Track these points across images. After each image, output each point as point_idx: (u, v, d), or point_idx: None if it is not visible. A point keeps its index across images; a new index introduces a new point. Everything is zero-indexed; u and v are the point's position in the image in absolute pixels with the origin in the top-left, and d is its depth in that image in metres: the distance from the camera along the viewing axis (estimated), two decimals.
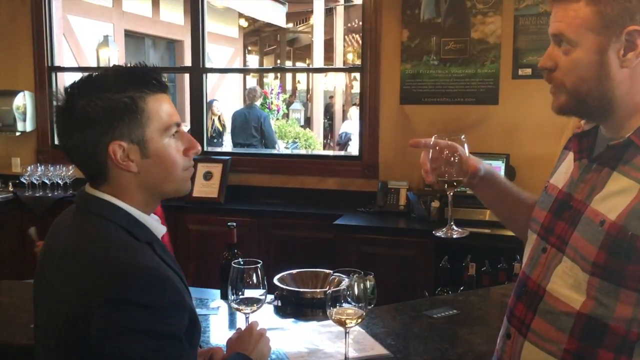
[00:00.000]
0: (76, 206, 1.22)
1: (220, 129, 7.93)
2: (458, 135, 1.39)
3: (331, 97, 12.73)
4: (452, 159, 1.37)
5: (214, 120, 7.76)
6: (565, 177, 1.29)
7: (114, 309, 1.04)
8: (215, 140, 7.73)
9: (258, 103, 7.43)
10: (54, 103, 1.20)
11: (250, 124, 6.99)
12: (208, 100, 7.77)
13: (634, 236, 1.08)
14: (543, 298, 1.22)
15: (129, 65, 1.22)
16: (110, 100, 1.14)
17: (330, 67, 12.00)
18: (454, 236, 1.43)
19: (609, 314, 1.12)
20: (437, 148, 1.38)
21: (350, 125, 9.79)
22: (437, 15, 3.89)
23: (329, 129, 12.73)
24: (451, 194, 1.42)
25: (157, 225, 1.24)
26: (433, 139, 1.38)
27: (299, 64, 17.81)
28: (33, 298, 1.24)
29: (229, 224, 2.12)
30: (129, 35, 8.90)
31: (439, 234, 1.49)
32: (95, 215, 1.17)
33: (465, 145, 1.39)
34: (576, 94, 1.17)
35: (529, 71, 3.73)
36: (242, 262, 1.63)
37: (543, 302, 1.22)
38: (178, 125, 1.22)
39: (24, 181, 4.36)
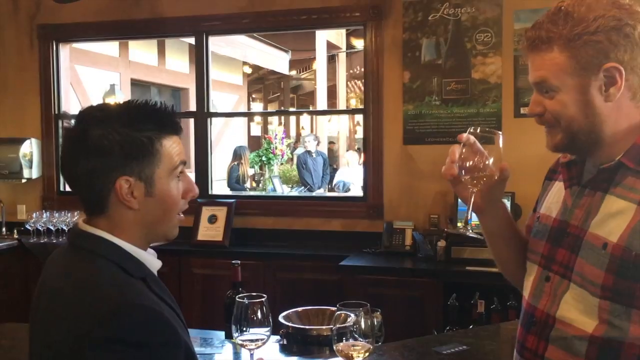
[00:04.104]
0: (68, 243, 1.21)
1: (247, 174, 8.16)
2: (494, 133, 1.28)
3: (332, 142, 12.71)
4: (480, 164, 1.27)
5: (243, 166, 7.92)
6: (557, 206, 1.30)
7: (106, 348, 1.01)
8: (244, 186, 7.97)
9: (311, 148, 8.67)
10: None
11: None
12: (236, 146, 8.17)
13: (637, 255, 1.09)
14: (554, 326, 1.21)
15: (149, 103, 1.21)
16: (128, 137, 1.13)
17: (333, 109, 12.14)
18: (468, 234, 1.35)
19: (623, 335, 1.11)
20: (470, 148, 1.27)
21: (347, 173, 8.92)
22: (437, 57, 3.95)
23: (332, 175, 12.69)
24: (474, 190, 1.31)
25: (152, 260, 1.21)
26: (467, 134, 1.28)
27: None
28: (29, 339, 1.21)
29: (233, 262, 2.11)
30: (135, 83, 9.06)
31: (460, 229, 1.36)
32: (87, 251, 1.15)
33: (500, 142, 1.29)
34: (569, 132, 1.20)
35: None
36: (246, 300, 1.61)
37: (555, 329, 1.20)
38: (184, 163, 1.22)
39: (29, 228, 4.36)
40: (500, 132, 1.29)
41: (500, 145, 1.28)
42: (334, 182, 8.96)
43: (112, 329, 1.02)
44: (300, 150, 10.20)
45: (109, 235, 1.16)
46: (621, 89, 1.15)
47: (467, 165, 1.28)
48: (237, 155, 7.95)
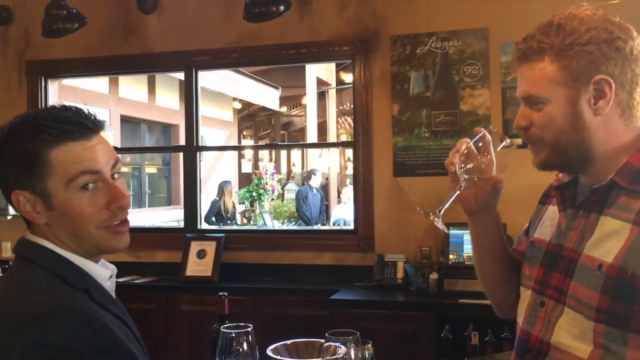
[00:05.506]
0: (14, 252, 1.18)
1: (232, 209, 8.15)
2: (510, 144, 1.29)
3: (327, 178, 12.72)
4: (482, 166, 1.26)
5: (225, 201, 7.93)
6: (552, 230, 1.27)
7: (34, 354, 0.95)
8: (229, 222, 7.97)
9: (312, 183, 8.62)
10: None
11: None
12: (222, 181, 8.16)
13: (633, 275, 1.06)
14: (549, 352, 1.17)
15: (47, 110, 1.15)
16: (18, 149, 1.08)
17: (323, 142, 12.20)
18: (438, 225, 1.30)
19: None
20: (483, 146, 1.27)
21: (345, 210, 8.51)
22: (426, 90, 3.97)
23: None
24: (462, 185, 1.29)
25: (99, 270, 1.15)
26: (484, 131, 1.28)
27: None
28: None
29: (220, 293, 2.05)
30: (125, 120, 9.06)
31: (431, 217, 1.33)
32: (26, 261, 1.11)
33: (510, 153, 1.28)
34: (556, 147, 1.18)
35: (519, 141, 3.74)
36: (233, 333, 1.55)
37: (549, 356, 1.17)
38: (94, 173, 1.09)
39: None
40: (516, 146, 1.29)
41: (509, 159, 1.28)
42: (332, 219, 8.81)
43: (41, 334, 0.96)
44: (291, 186, 10.17)
45: (51, 245, 1.11)
46: (610, 102, 1.14)
47: (470, 163, 1.26)
48: (220, 189, 7.98)
